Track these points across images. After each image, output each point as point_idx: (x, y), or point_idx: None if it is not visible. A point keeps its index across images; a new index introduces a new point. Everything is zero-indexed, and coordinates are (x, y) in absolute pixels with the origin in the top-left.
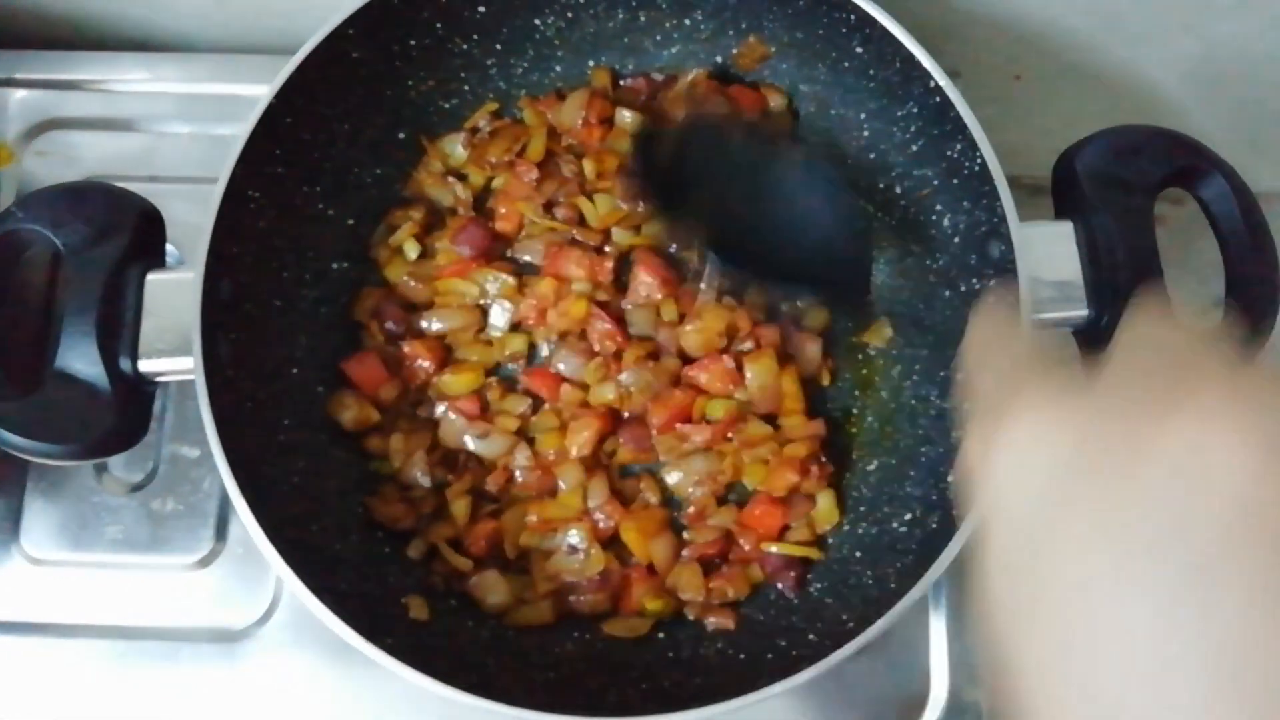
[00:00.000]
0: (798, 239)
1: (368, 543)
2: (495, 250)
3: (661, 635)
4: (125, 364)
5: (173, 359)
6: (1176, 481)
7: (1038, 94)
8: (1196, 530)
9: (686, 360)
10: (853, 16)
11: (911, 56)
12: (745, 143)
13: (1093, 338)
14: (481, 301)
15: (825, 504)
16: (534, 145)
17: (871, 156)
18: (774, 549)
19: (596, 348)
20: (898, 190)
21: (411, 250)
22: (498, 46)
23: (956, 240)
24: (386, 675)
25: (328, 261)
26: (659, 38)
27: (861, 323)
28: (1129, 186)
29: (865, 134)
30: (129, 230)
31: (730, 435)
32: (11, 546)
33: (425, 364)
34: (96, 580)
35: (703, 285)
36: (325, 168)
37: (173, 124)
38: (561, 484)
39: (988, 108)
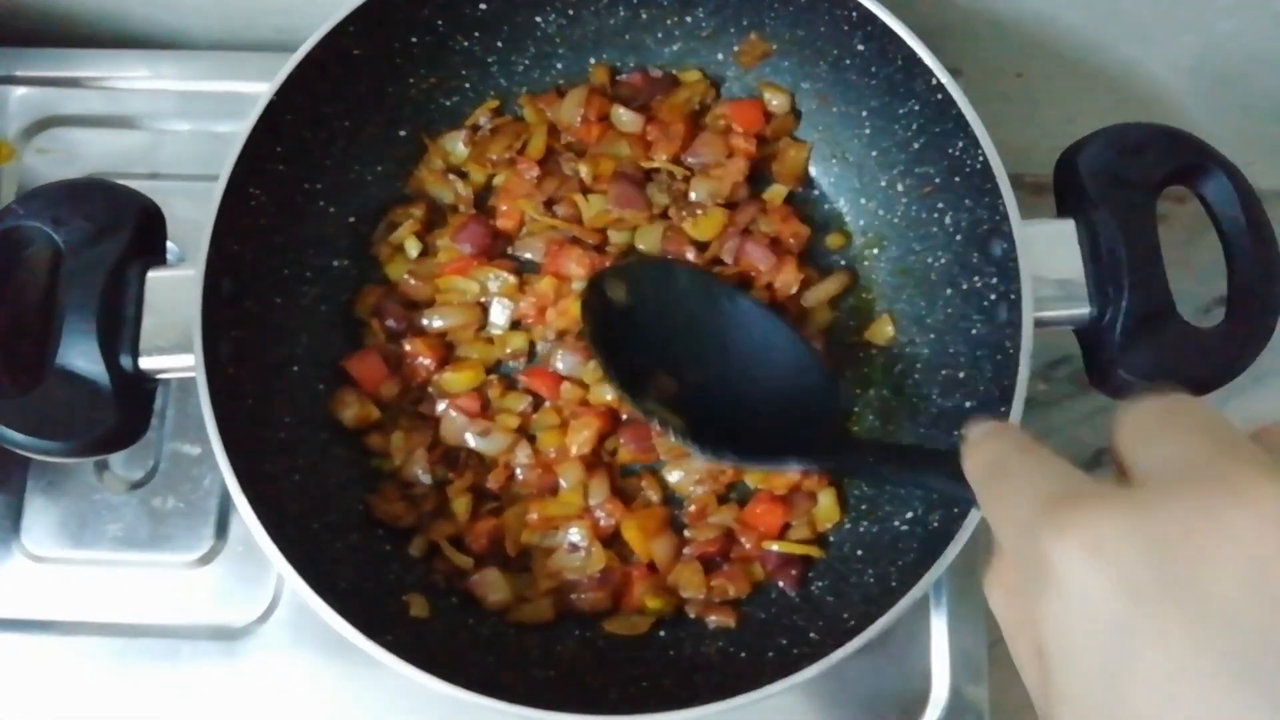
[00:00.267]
0: (765, 399)
1: (368, 540)
2: (496, 248)
3: (662, 633)
4: (126, 361)
5: (173, 356)
6: (1244, 594)
7: (1040, 92)
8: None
9: None
10: (854, 14)
11: (913, 54)
12: (697, 293)
13: (1094, 337)
14: (482, 299)
15: (826, 502)
16: (534, 143)
17: (873, 154)
18: (775, 547)
19: None
20: (899, 188)
21: (412, 248)
22: (499, 44)
23: (958, 238)
24: (387, 673)
25: (328, 259)
26: (660, 35)
27: (863, 321)
28: (1131, 185)
29: (866, 131)
30: (130, 227)
31: None
32: (12, 544)
33: (426, 361)
34: (97, 578)
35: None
36: (326, 165)
37: (174, 121)
38: (562, 482)
39: (990, 105)
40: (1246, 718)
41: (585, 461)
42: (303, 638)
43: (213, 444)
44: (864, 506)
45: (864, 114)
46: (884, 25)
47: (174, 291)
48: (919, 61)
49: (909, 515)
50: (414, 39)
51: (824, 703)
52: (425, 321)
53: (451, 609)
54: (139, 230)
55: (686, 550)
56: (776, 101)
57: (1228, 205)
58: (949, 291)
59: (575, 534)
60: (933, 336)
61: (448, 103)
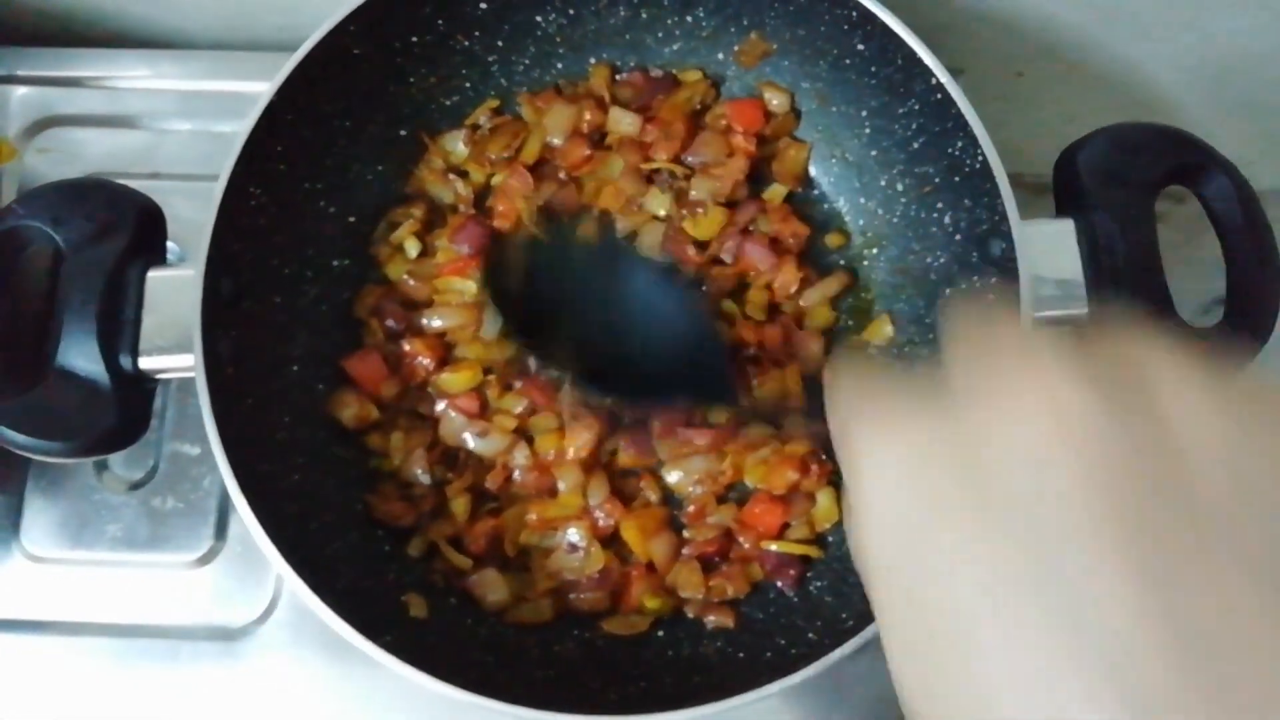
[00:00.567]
0: (658, 353)
1: (367, 540)
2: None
3: (661, 633)
4: (126, 361)
5: (173, 356)
6: (1007, 467)
7: (1039, 91)
8: (1037, 506)
9: None
10: (854, 13)
11: (913, 53)
12: (593, 255)
13: None
14: (480, 299)
15: (825, 502)
16: (529, 146)
17: (873, 154)
18: (774, 547)
19: None
20: (899, 187)
21: (412, 248)
22: (499, 43)
23: (957, 238)
24: (386, 673)
25: (328, 259)
26: (660, 34)
27: (862, 321)
28: (1130, 184)
29: (866, 131)
30: (130, 227)
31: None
32: (11, 544)
33: (425, 361)
34: (96, 578)
35: (564, 401)
36: (326, 165)
37: (174, 121)
38: (561, 484)
39: (989, 105)
40: (1041, 621)
41: (583, 465)
42: (302, 638)
43: (212, 444)
44: None
45: (864, 114)
46: (884, 25)
47: (174, 291)
48: (919, 61)
49: None
50: (414, 38)
51: (823, 703)
52: (424, 321)
53: (450, 609)
54: (139, 230)
55: (685, 550)
56: (776, 101)
57: (1227, 205)
58: (948, 291)
59: (574, 534)
60: (932, 337)
61: (448, 102)
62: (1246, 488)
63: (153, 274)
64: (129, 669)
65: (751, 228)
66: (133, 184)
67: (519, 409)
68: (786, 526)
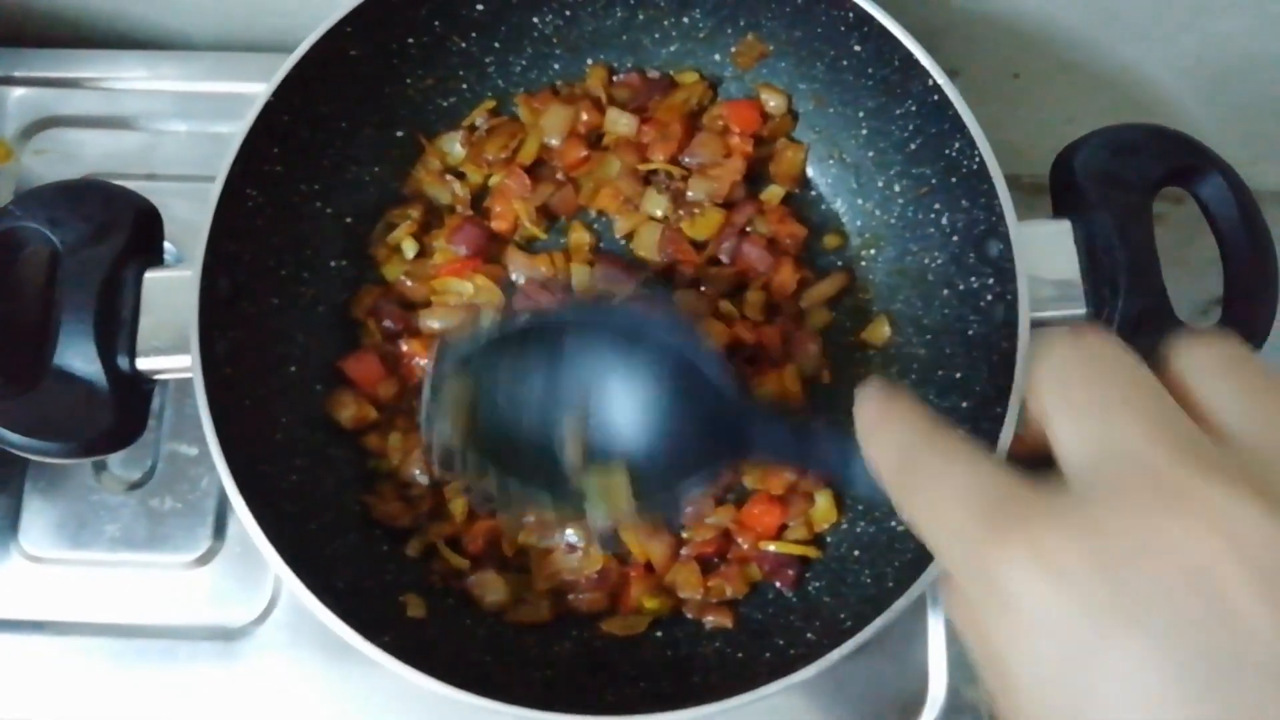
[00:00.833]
0: (665, 426)
1: (366, 541)
2: (492, 249)
3: (659, 634)
4: (123, 362)
5: (171, 357)
6: (1192, 606)
7: (1036, 92)
8: (1220, 631)
9: None
10: (851, 14)
11: (910, 55)
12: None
13: None
14: (477, 300)
15: (824, 503)
16: (526, 147)
17: (870, 155)
18: (772, 548)
19: None
20: (896, 188)
21: (409, 249)
22: (496, 44)
23: (955, 239)
24: (384, 673)
25: (326, 260)
26: (657, 35)
27: (860, 322)
28: (1128, 185)
29: (863, 132)
30: (127, 228)
31: None
32: (10, 544)
33: (423, 362)
34: (94, 578)
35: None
36: (323, 166)
37: (171, 122)
38: None
39: (986, 106)
40: None
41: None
42: (300, 638)
43: (210, 444)
44: (861, 507)
45: (861, 115)
46: (881, 26)
47: (171, 292)
48: (916, 62)
49: None
50: (411, 40)
51: (821, 703)
52: (422, 322)
53: (449, 609)
54: (136, 231)
55: (684, 551)
56: (774, 102)
57: (1224, 206)
58: (946, 292)
59: (573, 534)
60: (929, 337)
61: (445, 103)
62: None
63: (150, 275)
64: (127, 669)
65: (749, 229)
66: (130, 185)
67: None
68: (785, 527)
